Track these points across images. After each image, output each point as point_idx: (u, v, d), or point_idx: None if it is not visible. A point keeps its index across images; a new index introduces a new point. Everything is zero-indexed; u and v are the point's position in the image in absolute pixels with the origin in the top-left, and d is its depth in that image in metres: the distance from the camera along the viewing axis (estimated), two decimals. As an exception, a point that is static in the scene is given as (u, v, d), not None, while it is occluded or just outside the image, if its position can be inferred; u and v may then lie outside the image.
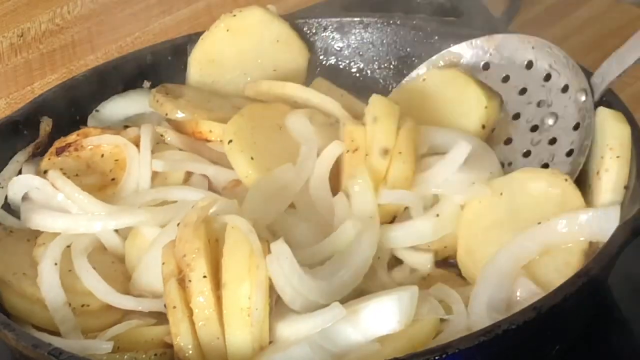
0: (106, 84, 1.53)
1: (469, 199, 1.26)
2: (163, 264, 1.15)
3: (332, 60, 1.61)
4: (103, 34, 2.01)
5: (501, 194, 1.25)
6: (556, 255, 1.17)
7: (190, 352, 1.10)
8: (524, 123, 1.37)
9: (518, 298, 1.15)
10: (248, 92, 1.49)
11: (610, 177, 1.21)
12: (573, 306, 1.10)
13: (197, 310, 1.10)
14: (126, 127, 1.47)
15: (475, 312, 1.13)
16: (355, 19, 1.60)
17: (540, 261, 1.17)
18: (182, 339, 1.10)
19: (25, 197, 1.36)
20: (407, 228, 1.27)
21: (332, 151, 1.32)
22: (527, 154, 1.35)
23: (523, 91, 1.39)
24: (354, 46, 1.61)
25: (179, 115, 1.44)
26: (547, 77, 1.37)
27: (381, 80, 1.60)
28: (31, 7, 2.11)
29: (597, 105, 1.30)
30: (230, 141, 1.34)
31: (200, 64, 1.55)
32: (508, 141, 1.38)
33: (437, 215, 1.26)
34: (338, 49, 1.61)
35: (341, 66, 1.62)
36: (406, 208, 1.29)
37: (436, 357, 0.99)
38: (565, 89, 1.34)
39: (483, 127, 1.37)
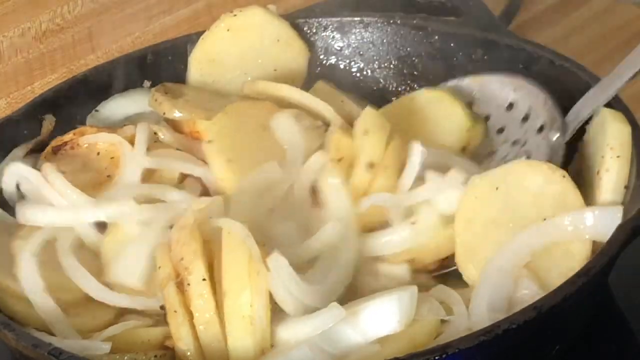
0: (106, 84, 1.53)
1: (452, 199, 1.25)
2: (159, 267, 1.15)
3: (332, 60, 1.61)
4: (103, 34, 2.01)
5: (497, 188, 1.24)
6: (557, 254, 1.17)
7: (192, 355, 1.10)
8: (498, 160, 1.38)
9: (519, 298, 1.15)
10: (246, 91, 1.49)
11: (610, 177, 1.21)
12: (573, 306, 1.10)
13: (198, 314, 1.10)
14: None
15: (476, 313, 1.13)
16: (356, 19, 1.60)
17: (541, 261, 1.17)
18: (184, 343, 1.10)
19: (19, 196, 1.36)
20: (383, 236, 1.26)
21: (316, 162, 1.31)
22: None
23: (501, 130, 1.41)
24: (354, 46, 1.61)
25: (176, 114, 1.43)
26: (526, 118, 1.38)
27: (381, 80, 1.60)
28: (31, 7, 2.11)
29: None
30: (210, 141, 1.33)
31: (201, 63, 1.55)
32: None
33: (414, 223, 1.25)
34: (338, 48, 1.61)
35: (341, 66, 1.62)
36: (386, 221, 1.28)
37: (436, 357, 0.99)
38: (540, 129, 1.35)
39: (464, 149, 1.37)
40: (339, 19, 1.60)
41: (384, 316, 1.10)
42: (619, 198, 1.20)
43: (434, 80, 1.56)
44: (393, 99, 1.59)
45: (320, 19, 1.60)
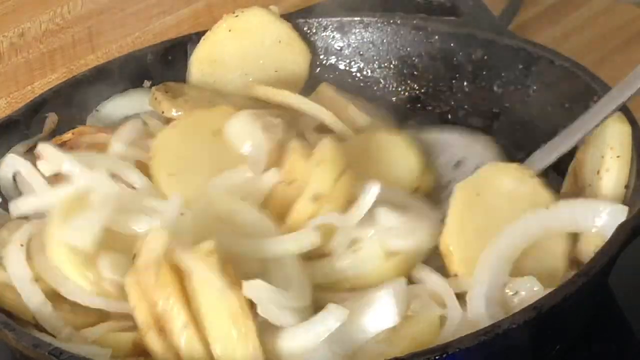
0: (106, 84, 1.53)
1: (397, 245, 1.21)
2: (134, 307, 1.11)
3: (332, 60, 1.61)
4: (103, 34, 2.01)
5: (478, 194, 1.23)
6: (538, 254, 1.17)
7: None
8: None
9: (518, 297, 1.15)
10: (248, 92, 1.50)
11: (610, 177, 1.21)
12: (573, 306, 1.10)
13: (187, 357, 1.08)
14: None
15: (475, 305, 1.13)
16: (356, 19, 1.60)
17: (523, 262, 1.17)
18: None
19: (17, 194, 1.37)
20: (326, 264, 1.23)
21: (267, 180, 1.28)
22: None
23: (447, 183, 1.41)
24: (354, 46, 1.61)
25: (175, 114, 1.44)
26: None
27: (381, 80, 1.60)
28: (31, 7, 2.11)
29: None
30: (151, 157, 1.32)
31: (202, 63, 1.56)
32: None
33: (355, 251, 1.22)
34: (338, 48, 1.61)
35: (341, 66, 1.62)
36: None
37: (436, 357, 0.99)
38: None
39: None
40: (339, 19, 1.60)
41: (382, 310, 1.10)
42: (619, 198, 1.20)
43: (433, 80, 1.57)
44: (393, 99, 1.60)
45: (320, 19, 1.60)
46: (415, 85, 1.59)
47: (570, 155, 1.32)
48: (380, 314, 1.10)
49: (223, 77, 1.55)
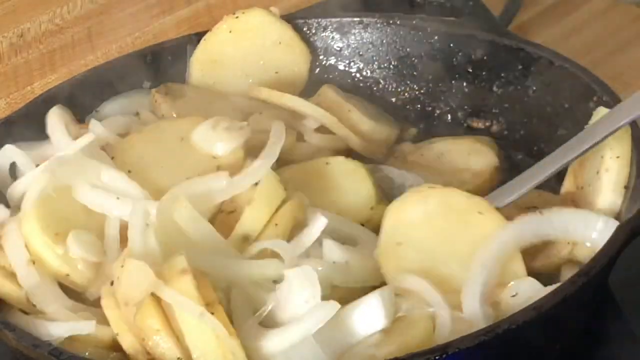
0: (106, 84, 1.53)
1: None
2: (117, 334, 1.11)
3: (332, 60, 1.61)
4: (103, 34, 2.01)
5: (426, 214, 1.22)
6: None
7: None
8: None
9: (518, 297, 1.15)
10: (251, 94, 1.50)
11: (610, 177, 1.21)
12: (573, 306, 1.10)
13: None
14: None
15: (468, 304, 1.12)
16: (355, 19, 1.60)
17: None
18: None
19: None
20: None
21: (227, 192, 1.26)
22: None
23: None
24: (353, 46, 1.61)
25: (174, 116, 1.44)
26: None
27: (381, 81, 1.60)
28: (31, 7, 2.11)
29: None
30: (113, 157, 1.31)
31: (202, 64, 1.56)
32: None
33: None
34: (338, 49, 1.61)
35: (341, 66, 1.62)
36: None
37: (436, 357, 0.99)
38: None
39: (362, 225, 1.31)
40: (338, 19, 1.60)
41: (370, 314, 1.10)
42: (619, 198, 1.20)
43: (433, 80, 1.57)
44: (393, 99, 1.60)
45: (319, 20, 1.60)
46: (415, 86, 1.59)
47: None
48: (368, 316, 1.10)
49: (223, 78, 1.55)
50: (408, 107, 1.59)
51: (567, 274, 1.17)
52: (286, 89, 1.51)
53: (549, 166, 1.24)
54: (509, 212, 1.19)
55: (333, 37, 1.61)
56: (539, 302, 1.04)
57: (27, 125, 1.44)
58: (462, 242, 1.18)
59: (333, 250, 1.20)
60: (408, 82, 1.59)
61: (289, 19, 1.58)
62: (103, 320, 1.13)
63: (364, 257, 1.22)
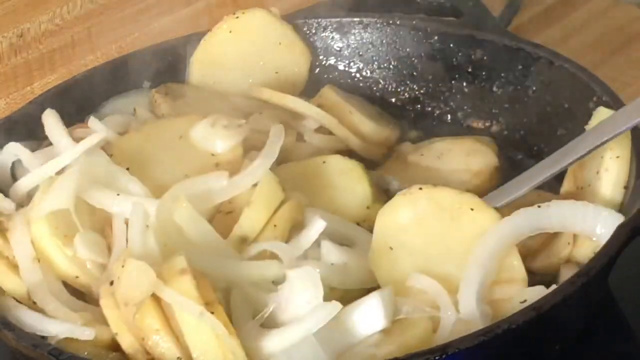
0: (106, 84, 1.53)
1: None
2: (116, 334, 1.11)
3: (332, 61, 1.62)
4: (103, 34, 2.00)
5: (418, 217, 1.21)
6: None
7: None
8: None
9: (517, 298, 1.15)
10: (252, 95, 1.50)
11: (610, 177, 1.21)
12: (573, 306, 1.10)
13: None
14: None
15: (465, 304, 1.12)
16: (355, 19, 1.60)
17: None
18: None
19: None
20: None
21: (227, 192, 1.26)
22: None
23: None
24: (353, 46, 1.61)
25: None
26: None
27: (381, 81, 1.60)
28: (31, 8, 2.11)
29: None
30: (111, 155, 1.31)
31: (202, 64, 1.56)
32: None
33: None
34: (337, 49, 1.61)
35: (340, 67, 1.62)
36: None
37: (436, 357, 0.99)
38: None
39: (358, 224, 1.31)
40: (338, 19, 1.60)
41: (370, 315, 1.10)
42: (619, 198, 1.20)
43: (433, 80, 1.57)
44: (392, 99, 1.60)
45: (319, 20, 1.60)
46: (415, 86, 1.59)
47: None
48: (368, 317, 1.10)
49: (223, 78, 1.55)
50: (408, 107, 1.59)
51: (567, 274, 1.17)
52: (286, 89, 1.51)
53: (547, 169, 1.24)
54: (508, 213, 1.18)
55: (333, 37, 1.61)
56: (538, 302, 1.04)
57: (26, 125, 1.44)
58: (455, 241, 1.18)
59: (331, 252, 1.20)
60: (408, 82, 1.59)
61: (289, 19, 1.58)
62: (103, 320, 1.13)
63: (361, 258, 1.22)
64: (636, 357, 1.24)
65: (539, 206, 1.17)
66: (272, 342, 1.08)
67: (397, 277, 1.18)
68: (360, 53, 1.61)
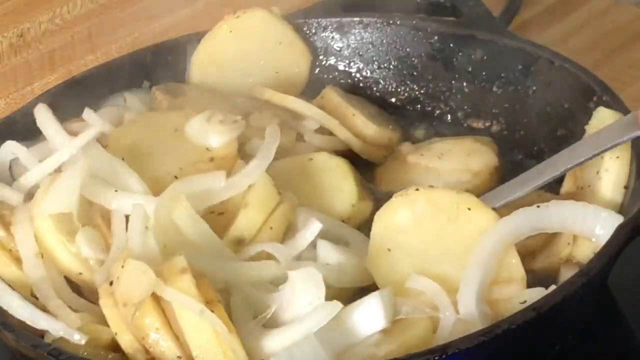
0: (106, 84, 1.53)
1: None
2: (116, 334, 1.11)
3: (332, 60, 1.61)
4: (103, 34, 2.00)
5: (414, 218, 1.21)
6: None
7: None
8: None
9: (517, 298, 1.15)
10: (254, 95, 1.50)
11: (610, 177, 1.21)
12: (573, 306, 1.10)
13: None
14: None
15: (465, 304, 1.12)
16: (355, 19, 1.60)
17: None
18: None
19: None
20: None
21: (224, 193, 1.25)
22: None
23: None
24: (353, 46, 1.61)
25: None
26: None
27: (381, 81, 1.60)
28: (31, 7, 2.11)
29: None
30: (106, 145, 1.32)
31: (202, 64, 1.55)
32: None
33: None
34: (337, 49, 1.61)
35: (340, 66, 1.62)
36: None
37: (436, 357, 0.99)
38: None
39: (343, 222, 1.31)
40: (338, 19, 1.60)
41: (370, 315, 1.10)
42: (619, 198, 1.20)
43: (433, 80, 1.57)
44: (392, 99, 1.60)
45: (319, 20, 1.60)
46: (415, 86, 1.59)
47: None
48: (368, 317, 1.10)
49: (223, 78, 1.55)
50: (408, 107, 1.59)
51: (567, 274, 1.17)
52: (286, 89, 1.51)
53: (545, 172, 1.24)
54: (507, 213, 1.18)
55: (333, 37, 1.61)
56: (538, 302, 1.04)
57: (26, 125, 1.44)
58: (454, 241, 1.18)
59: (328, 252, 1.20)
60: (408, 82, 1.59)
61: (289, 19, 1.58)
62: (103, 320, 1.13)
63: (356, 257, 1.22)
64: (636, 357, 1.24)
65: (538, 206, 1.17)
66: (273, 341, 1.08)
67: (396, 278, 1.18)
68: (360, 53, 1.61)
